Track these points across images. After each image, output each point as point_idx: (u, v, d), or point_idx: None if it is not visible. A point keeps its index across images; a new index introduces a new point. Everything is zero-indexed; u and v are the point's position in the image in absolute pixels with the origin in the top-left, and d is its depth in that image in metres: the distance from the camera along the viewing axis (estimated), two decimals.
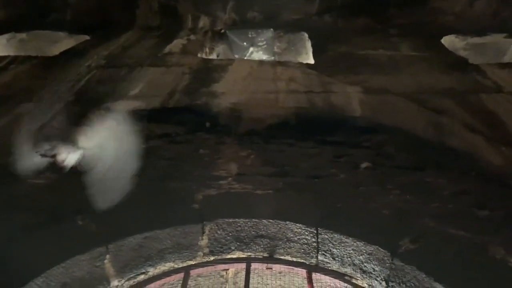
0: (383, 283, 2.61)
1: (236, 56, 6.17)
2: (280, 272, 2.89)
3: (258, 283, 2.84)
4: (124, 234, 2.75)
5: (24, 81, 5.27)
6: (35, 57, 5.83)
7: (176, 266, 2.90)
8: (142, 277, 2.83)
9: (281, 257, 2.89)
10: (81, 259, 2.61)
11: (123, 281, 2.79)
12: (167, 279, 2.84)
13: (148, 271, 2.83)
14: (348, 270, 2.75)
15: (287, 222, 2.87)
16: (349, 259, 2.71)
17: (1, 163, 3.43)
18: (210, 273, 2.97)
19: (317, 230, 2.78)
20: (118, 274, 2.77)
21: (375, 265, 2.62)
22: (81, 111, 4.38)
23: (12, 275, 2.46)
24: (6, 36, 6.30)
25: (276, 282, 2.85)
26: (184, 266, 2.89)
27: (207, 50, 6.09)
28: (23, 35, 6.34)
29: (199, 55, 5.95)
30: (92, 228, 2.78)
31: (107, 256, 2.70)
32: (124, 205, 2.93)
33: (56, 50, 6.04)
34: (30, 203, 3.07)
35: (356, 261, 2.68)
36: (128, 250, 2.77)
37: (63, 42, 6.25)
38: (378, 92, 4.65)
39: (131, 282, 2.82)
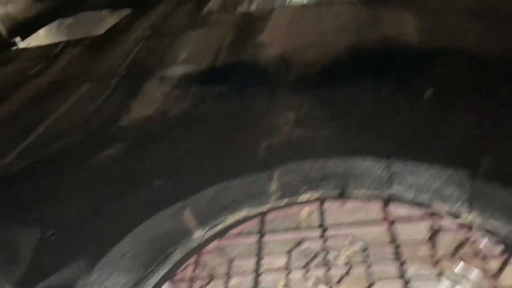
0: (465, 206, 2.52)
1: (276, 4, 5.98)
2: (353, 208, 2.89)
3: (333, 221, 2.87)
4: (199, 188, 2.87)
5: (78, 64, 5.52)
6: (84, 39, 6.06)
7: (250, 213, 2.99)
8: (220, 226, 2.96)
9: (353, 193, 2.88)
10: (164, 215, 2.77)
11: (204, 231, 2.93)
12: (244, 226, 2.95)
13: (226, 220, 2.95)
14: (425, 197, 2.68)
15: (355, 158, 2.83)
16: (425, 186, 2.64)
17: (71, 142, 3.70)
18: (284, 217, 3.04)
19: (388, 162, 2.72)
20: (199, 225, 2.92)
21: (454, 189, 2.53)
22: (136, 83, 4.53)
23: (102, 236, 2.67)
24: (55, 23, 6.57)
25: (350, 218, 2.86)
26: (258, 213, 2.98)
27: (246, 3, 5.95)
28: (69, 20, 6.57)
29: (238, 9, 5.84)
30: (170, 186, 2.93)
31: (187, 209, 2.84)
32: (194, 162, 3.06)
33: (102, 29, 6.22)
34: (107, 173, 3.28)
35: (433, 187, 2.61)
36: (205, 202, 2.90)
37: (107, 20, 6.40)
38: (435, 13, 4.31)
39: (212, 232, 2.96)
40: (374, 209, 2.86)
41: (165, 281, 2.67)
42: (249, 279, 2.62)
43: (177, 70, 4.66)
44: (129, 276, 2.58)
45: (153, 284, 2.67)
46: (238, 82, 4.19)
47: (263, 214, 2.98)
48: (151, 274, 2.70)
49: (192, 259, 2.79)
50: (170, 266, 2.76)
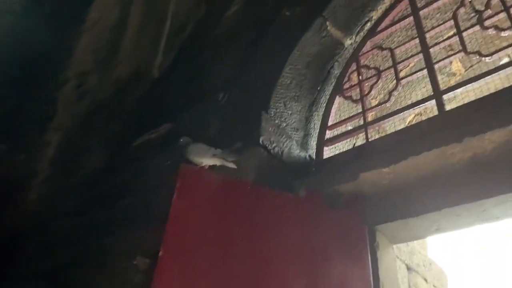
0: None
1: None
2: None
3: None
4: None
5: None
6: None
7: None
8: (368, 25, 2.77)
9: None
10: (307, 37, 2.71)
11: (354, 35, 2.80)
12: (393, 12, 2.69)
13: (371, 16, 2.74)
14: None
15: None
16: None
17: None
18: None
19: None
20: (344, 34, 2.80)
21: None
22: None
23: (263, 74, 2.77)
24: None
25: None
26: None
27: None
28: None
29: None
30: None
31: (327, 23, 2.72)
32: None
33: None
34: None
35: None
36: (343, 9, 2.71)
37: None
38: None
39: (362, 34, 2.81)
40: None
41: (335, 96, 2.73)
42: (418, 58, 2.46)
43: None
44: (301, 103, 2.70)
45: (325, 102, 2.76)
46: None
47: None
48: (319, 94, 2.78)
49: (353, 66, 2.74)
50: (334, 81, 2.78)
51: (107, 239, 2.64)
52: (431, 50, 2.40)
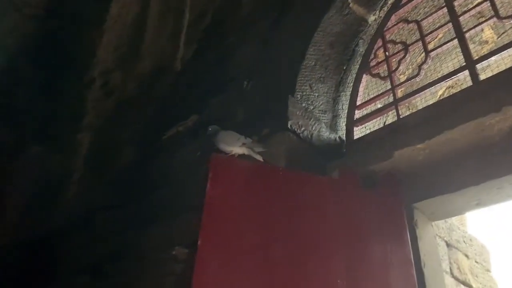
0: None
1: None
2: None
3: None
4: None
5: None
6: None
7: None
8: None
9: None
10: (329, 17, 2.65)
11: (377, 11, 2.72)
12: None
13: None
14: None
15: None
16: None
17: None
18: None
19: None
20: (367, 10, 2.72)
21: None
22: None
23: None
24: None
25: None
26: None
27: None
28: None
29: None
30: None
31: (349, 0, 2.65)
32: None
33: None
34: None
35: None
36: None
37: None
38: None
39: (386, 9, 2.72)
40: None
41: (362, 75, 2.66)
42: (447, 28, 2.37)
43: None
44: (327, 84, 2.66)
45: (352, 82, 2.70)
46: None
47: None
48: (346, 74, 2.73)
49: (378, 43, 2.67)
50: (360, 59, 2.72)
51: (145, 231, 2.70)
52: (460, 18, 2.30)
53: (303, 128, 2.29)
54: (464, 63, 2.13)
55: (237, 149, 2.15)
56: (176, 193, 2.68)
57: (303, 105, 2.44)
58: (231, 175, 1.88)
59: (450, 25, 2.32)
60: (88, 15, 4.54)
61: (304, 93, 2.50)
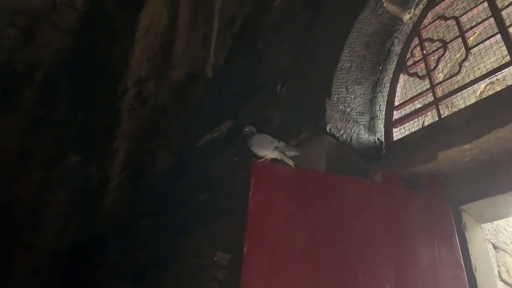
0: None
1: None
2: None
3: None
4: None
5: None
6: None
7: None
8: None
9: None
10: (363, 17, 2.62)
11: (412, 10, 2.67)
12: None
13: None
14: None
15: None
16: None
17: None
18: None
19: None
20: (402, 9, 2.67)
21: None
22: None
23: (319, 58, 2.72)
24: None
25: None
26: None
27: None
28: None
29: None
30: None
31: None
32: None
33: None
34: None
35: None
36: None
37: None
38: None
39: (421, 6, 2.67)
40: None
41: (399, 75, 2.61)
42: (488, 24, 2.29)
43: None
44: (363, 85, 2.62)
45: (388, 82, 2.66)
46: None
47: None
48: (382, 74, 2.68)
49: (415, 41, 2.61)
50: (396, 59, 2.67)
51: (184, 237, 2.73)
52: (502, 12, 2.22)
53: (342, 131, 2.26)
54: (510, 59, 2.05)
55: (270, 153, 2.14)
56: (213, 199, 2.71)
57: (340, 107, 2.41)
58: (273, 181, 1.88)
59: (492, 20, 2.25)
60: (119, 27, 4.66)
61: (341, 96, 2.47)
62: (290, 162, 2.07)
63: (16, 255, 3.93)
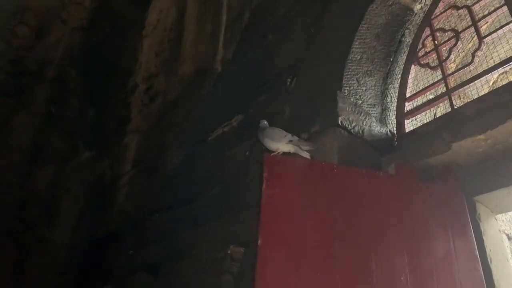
0: None
1: None
2: None
3: None
4: None
5: None
6: None
7: None
8: None
9: None
10: (373, 9, 2.59)
11: (423, 0, 2.64)
12: None
13: None
14: None
15: None
16: None
17: None
18: None
19: None
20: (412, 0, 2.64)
21: None
22: None
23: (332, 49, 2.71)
24: None
25: None
26: None
27: None
28: None
29: None
30: None
31: None
32: None
33: None
34: None
35: None
36: None
37: None
38: None
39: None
40: None
41: (410, 65, 2.59)
42: (501, 12, 2.26)
43: None
44: (374, 77, 2.60)
45: (400, 73, 2.64)
46: None
47: None
48: (393, 65, 2.66)
49: (426, 32, 2.58)
50: (407, 49, 2.65)
51: (197, 231, 2.76)
52: None
53: (353, 124, 2.26)
54: None
55: (283, 147, 2.14)
56: (226, 193, 2.72)
57: (352, 100, 2.40)
58: (286, 174, 1.88)
59: (505, 8, 2.21)
60: (128, 24, 4.68)
61: (352, 88, 2.46)
62: (305, 155, 2.07)
63: (33, 250, 4.01)
